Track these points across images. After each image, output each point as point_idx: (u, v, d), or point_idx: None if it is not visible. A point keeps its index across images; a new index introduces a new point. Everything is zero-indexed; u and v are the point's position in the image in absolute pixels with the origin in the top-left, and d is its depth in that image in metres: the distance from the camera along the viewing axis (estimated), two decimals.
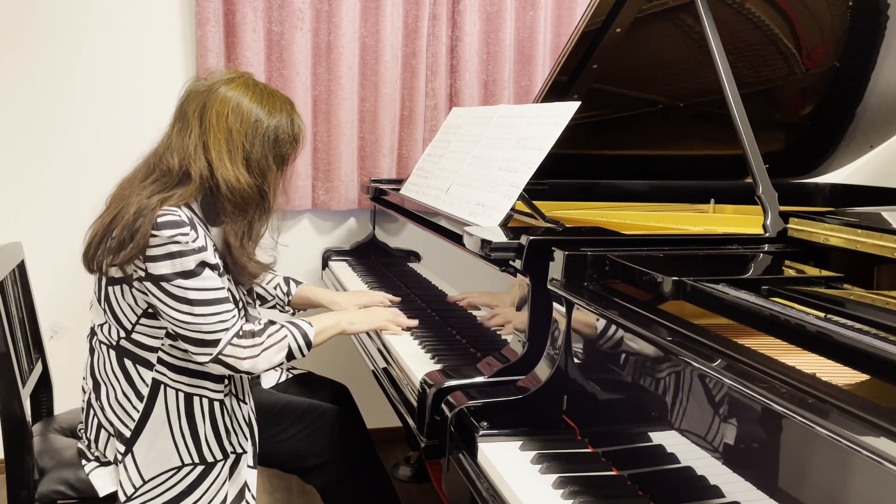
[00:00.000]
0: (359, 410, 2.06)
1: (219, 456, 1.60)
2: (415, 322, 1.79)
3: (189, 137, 1.51)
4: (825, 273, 1.25)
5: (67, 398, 2.05)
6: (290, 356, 1.58)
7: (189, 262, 1.45)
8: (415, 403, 1.43)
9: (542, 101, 2.11)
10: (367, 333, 1.89)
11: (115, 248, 1.46)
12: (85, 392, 1.66)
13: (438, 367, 1.54)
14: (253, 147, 1.53)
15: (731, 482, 0.92)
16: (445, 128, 2.26)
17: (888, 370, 0.86)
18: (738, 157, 1.60)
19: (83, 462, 1.63)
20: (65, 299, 2.57)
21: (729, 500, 0.93)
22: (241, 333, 1.52)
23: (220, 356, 1.50)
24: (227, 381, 1.63)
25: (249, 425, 1.68)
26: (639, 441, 1.12)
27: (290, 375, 2.02)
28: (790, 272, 1.31)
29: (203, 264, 1.48)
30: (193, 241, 1.46)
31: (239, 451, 1.63)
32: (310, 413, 1.79)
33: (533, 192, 1.82)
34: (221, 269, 1.55)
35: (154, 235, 1.43)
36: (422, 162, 2.25)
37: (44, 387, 1.91)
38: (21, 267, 1.88)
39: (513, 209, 1.66)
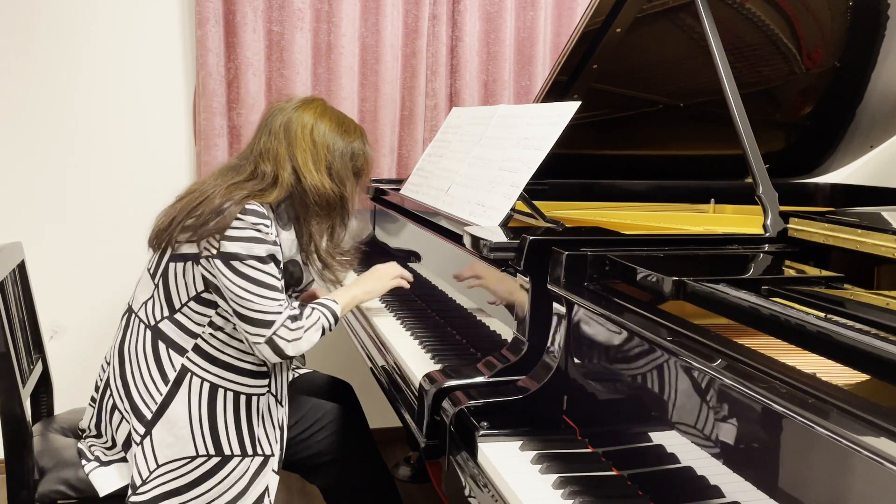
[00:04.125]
0: (362, 409, 2.06)
1: (237, 451, 1.62)
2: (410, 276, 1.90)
3: (280, 148, 1.66)
4: (825, 273, 1.25)
5: (67, 398, 2.06)
6: (322, 333, 1.67)
7: (263, 249, 1.57)
8: (415, 403, 1.43)
9: (542, 101, 2.11)
10: (367, 333, 1.90)
11: (196, 226, 1.57)
12: (104, 371, 1.69)
13: (438, 367, 1.54)
14: (333, 158, 1.69)
15: (731, 482, 0.92)
16: (445, 128, 2.25)
17: (888, 370, 0.86)
18: (738, 157, 1.60)
19: (83, 462, 1.64)
20: (65, 299, 2.57)
21: (729, 500, 0.93)
22: (291, 316, 1.62)
23: (273, 337, 1.58)
24: (266, 381, 1.69)
25: (281, 429, 1.71)
26: (639, 441, 1.12)
27: (296, 374, 2.03)
28: (790, 272, 1.31)
29: (273, 257, 1.59)
30: (273, 236, 1.59)
31: (267, 452, 1.66)
32: (313, 412, 1.81)
33: (533, 192, 1.82)
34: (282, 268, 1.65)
35: (240, 219, 1.55)
36: (422, 162, 2.25)
37: (44, 387, 1.91)
38: (21, 267, 1.88)
39: (513, 209, 1.66)
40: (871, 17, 2.03)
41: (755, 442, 0.89)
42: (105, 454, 1.66)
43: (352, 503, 1.85)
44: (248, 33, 2.51)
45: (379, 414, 2.46)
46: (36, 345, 1.89)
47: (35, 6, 2.43)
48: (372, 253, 2.59)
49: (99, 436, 1.71)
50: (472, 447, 1.25)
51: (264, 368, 1.69)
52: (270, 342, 1.58)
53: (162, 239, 1.62)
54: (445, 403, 1.33)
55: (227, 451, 1.61)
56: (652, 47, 2.09)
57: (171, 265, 1.62)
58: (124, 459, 1.63)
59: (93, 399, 1.72)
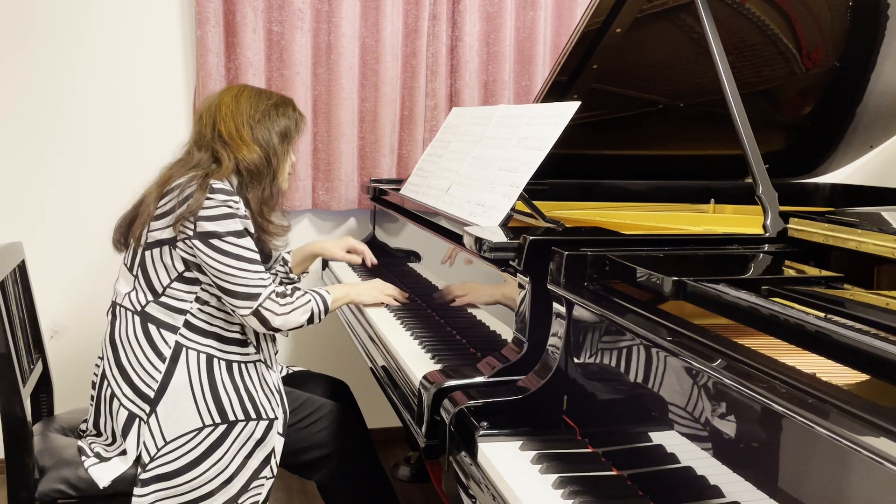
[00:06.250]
0: (358, 407, 2.06)
1: (240, 416, 1.65)
2: (405, 296, 1.96)
3: (208, 130, 1.73)
4: (825, 273, 1.25)
5: (67, 398, 2.06)
6: (310, 319, 1.73)
7: (237, 224, 1.62)
8: (415, 403, 1.43)
9: (542, 101, 2.11)
10: (367, 333, 1.91)
11: (166, 213, 1.62)
12: (98, 367, 1.71)
13: (438, 367, 1.54)
14: (255, 123, 1.73)
15: (731, 482, 0.92)
16: (445, 128, 2.26)
17: (888, 370, 0.86)
18: (738, 157, 1.60)
19: (83, 458, 1.64)
20: (65, 299, 2.57)
21: (729, 500, 0.93)
22: (277, 292, 1.67)
23: (259, 308, 1.63)
24: (254, 349, 1.73)
25: (280, 392, 1.76)
26: (639, 441, 1.12)
27: (290, 372, 2.03)
28: (790, 272, 1.31)
29: (247, 230, 1.65)
30: (243, 210, 1.64)
31: (271, 416, 1.69)
32: (308, 405, 1.83)
33: (533, 192, 1.82)
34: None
35: (209, 198, 1.59)
36: (422, 162, 2.25)
37: (44, 387, 1.91)
38: (21, 267, 1.88)
39: (513, 209, 1.66)
40: (871, 18, 2.03)
41: (755, 442, 0.89)
42: (106, 451, 1.66)
43: (348, 500, 1.85)
44: (248, 33, 2.51)
45: (379, 414, 2.46)
46: (36, 345, 1.89)
47: (34, 7, 2.43)
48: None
49: (99, 434, 1.71)
50: (472, 447, 1.25)
51: (249, 338, 1.73)
52: (257, 313, 1.63)
53: (131, 234, 1.68)
54: (445, 403, 1.33)
55: (231, 417, 1.65)
56: (652, 47, 2.09)
57: (147, 253, 1.66)
58: (124, 452, 1.64)
59: (91, 398, 1.73)
